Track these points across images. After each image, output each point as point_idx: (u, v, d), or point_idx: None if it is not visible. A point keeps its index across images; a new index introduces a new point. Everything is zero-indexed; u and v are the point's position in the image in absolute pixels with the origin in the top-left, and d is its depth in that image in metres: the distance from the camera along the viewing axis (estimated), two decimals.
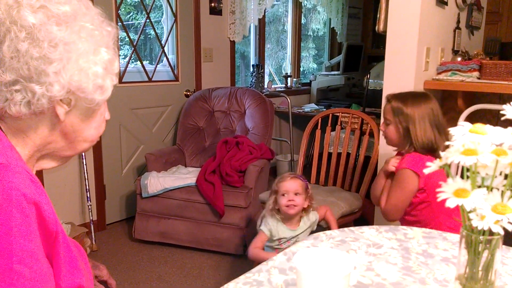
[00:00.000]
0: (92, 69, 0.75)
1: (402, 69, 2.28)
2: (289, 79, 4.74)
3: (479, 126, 0.68)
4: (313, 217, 2.00)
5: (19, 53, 0.69)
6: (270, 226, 1.94)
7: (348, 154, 2.66)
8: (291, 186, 1.88)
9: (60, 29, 0.71)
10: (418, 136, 1.66)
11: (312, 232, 2.07)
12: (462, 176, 0.70)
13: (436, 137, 1.66)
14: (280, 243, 1.95)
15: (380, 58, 3.18)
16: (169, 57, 3.49)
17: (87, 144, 0.84)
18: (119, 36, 3.13)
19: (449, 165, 0.70)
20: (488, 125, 0.69)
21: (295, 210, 1.88)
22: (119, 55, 3.15)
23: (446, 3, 2.47)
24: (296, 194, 1.87)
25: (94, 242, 2.86)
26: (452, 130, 0.70)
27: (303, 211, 1.95)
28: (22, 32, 0.69)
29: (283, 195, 1.88)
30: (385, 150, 2.38)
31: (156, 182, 2.78)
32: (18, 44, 0.68)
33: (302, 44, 5.13)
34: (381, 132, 1.90)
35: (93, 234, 2.89)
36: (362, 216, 2.57)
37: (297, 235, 1.95)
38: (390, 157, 1.83)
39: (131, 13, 3.56)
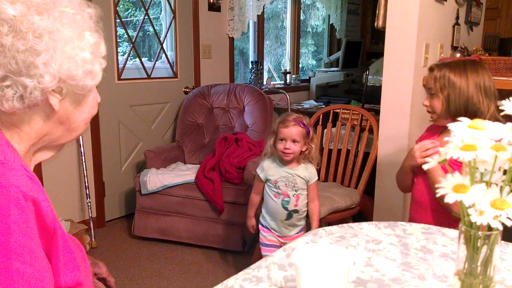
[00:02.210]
0: (80, 55, 0.74)
1: (401, 65, 2.28)
2: (288, 75, 4.73)
3: (478, 121, 0.68)
4: (312, 170, 1.95)
5: (4, 47, 0.67)
6: (265, 168, 1.94)
7: (348, 151, 2.66)
8: (289, 134, 1.84)
9: (42, 18, 0.69)
10: (461, 108, 1.51)
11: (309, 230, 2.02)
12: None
13: (484, 112, 1.50)
14: (277, 185, 1.92)
15: (379, 54, 3.18)
16: (168, 53, 3.49)
17: (82, 127, 0.84)
18: (118, 33, 3.13)
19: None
20: (487, 121, 0.68)
21: (290, 157, 1.87)
22: (118, 52, 3.14)
23: None
24: (294, 141, 1.85)
25: (93, 239, 2.86)
26: (450, 126, 0.70)
27: (301, 155, 1.92)
28: (4, 26, 0.67)
29: (281, 140, 1.86)
30: (384, 147, 2.38)
31: (156, 179, 2.78)
32: (2, 39, 0.67)
33: (301, 41, 5.12)
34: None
35: (92, 231, 2.89)
36: (361, 212, 2.58)
37: (296, 175, 1.91)
38: (420, 146, 1.59)
39: (130, 10, 3.55)
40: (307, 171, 1.94)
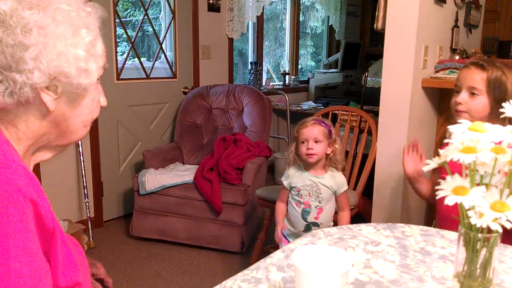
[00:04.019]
0: (72, 52, 0.73)
1: (400, 67, 2.28)
2: (287, 76, 4.74)
3: (478, 123, 0.68)
4: (340, 179, 1.84)
5: None
6: (290, 176, 1.83)
7: (347, 152, 2.66)
8: (310, 133, 1.74)
9: (32, 13, 0.69)
10: None
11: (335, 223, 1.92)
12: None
13: None
14: (299, 193, 1.80)
15: (378, 56, 3.18)
16: (167, 54, 3.48)
17: (81, 130, 0.82)
18: (117, 33, 3.13)
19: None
20: (487, 123, 0.69)
21: (314, 158, 1.76)
22: (117, 52, 3.13)
23: (444, 1, 2.47)
24: (316, 141, 1.74)
25: (91, 239, 2.85)
26: (451, 128, 0.70)
27: (328, 159, 1.82)
28: None
29: (302, 142, 1.76)
30: (383, 149, 2.39)
31: (154, 179, 2.78)
32: None
33: (300, 42, 5.12)
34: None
35: (90, 231, 2.88)
36: (359, 214, 2.58)
37: (321, 184, 1.80)
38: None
39: (129, 10, 3.55)
40: (334, 180, 1.81)
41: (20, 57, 0.68)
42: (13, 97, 0.70)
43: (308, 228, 1.81)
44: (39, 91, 0.72)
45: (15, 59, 0.68)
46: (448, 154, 0.67)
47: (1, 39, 0.67)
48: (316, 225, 1.81)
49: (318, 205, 1.79)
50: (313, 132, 1.75)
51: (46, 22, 0.70)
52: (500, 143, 0.67)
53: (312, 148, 1.74)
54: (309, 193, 1.80)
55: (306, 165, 1.82)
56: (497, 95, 1.42)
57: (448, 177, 0.69)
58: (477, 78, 1.45)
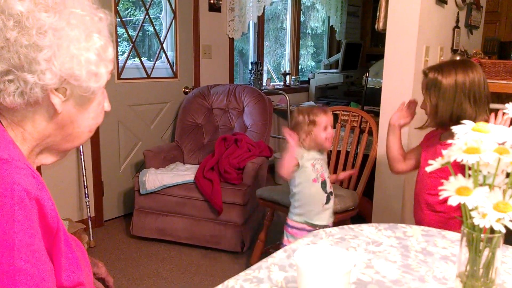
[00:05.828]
0: (84, 55, 0.74)
1: (401, 67, 2.28)
2: (287, 76, 4.74)
3: (482, 124, 0.68)
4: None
5: (8, 42, 0.68)
6: (301, 152, 1.88)
7: (347, 153, 2.66)
8: (330, 120, 1.86)
9: (48, 16, 0.70)
10: (447, 111, 1.51)
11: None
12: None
13: (469, 114, 1.48)
14: (315, 167, 1.88)
15: (379, 56, 3.18)
16: (168, 53, 3.48)
17: (86, 135, 0.83)
18: (118, 32, 3.13)
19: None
20: (491, 124, 0.69)
21: (332, 142, 1.91)
22: (118, 51, 3.14)
23: (445, 2, 2.48)
24: (331, 126, 1.88)
25: (91, 239, 2.85)
26: (454, 129, 0.70)
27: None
28: (10, 20, 0.68)
29: (325, 128, 1.85)
30: (384, 149, 2.38)
31: (154, 178, 2.78)
32: (7, 33, 0.68)
33: (300, 42, 5.12)
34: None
35: (90, 230, 2.88)
36: (360, 214, 2.58)
37: (325, 157, 1.96)
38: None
39: (130, 9, 3.55)
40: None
41: (33, 58, 0.69)
42: (23, 97, 0.71)
43: (328, 199, 1.92)
44: (48, 93, 0.73)
45: (28, 59, 0.69)
46: (452, 154, 0.67)
47: (15, 39, 0.68)
48: (332, 194, 1.94)
49: (328, 175, 1.94)
50: (331, 119, 1.88)
51: (61, 25, 0.71)
52: (503, 143, 0.67)
53: (332, 133, 1.89)
54: (321, 166, 1.91)
55: (318, 148, 1.91)
56: (436, 94, 1.54)
57: (452, 178, 0.69)
58: (422, 84, 1.60)
